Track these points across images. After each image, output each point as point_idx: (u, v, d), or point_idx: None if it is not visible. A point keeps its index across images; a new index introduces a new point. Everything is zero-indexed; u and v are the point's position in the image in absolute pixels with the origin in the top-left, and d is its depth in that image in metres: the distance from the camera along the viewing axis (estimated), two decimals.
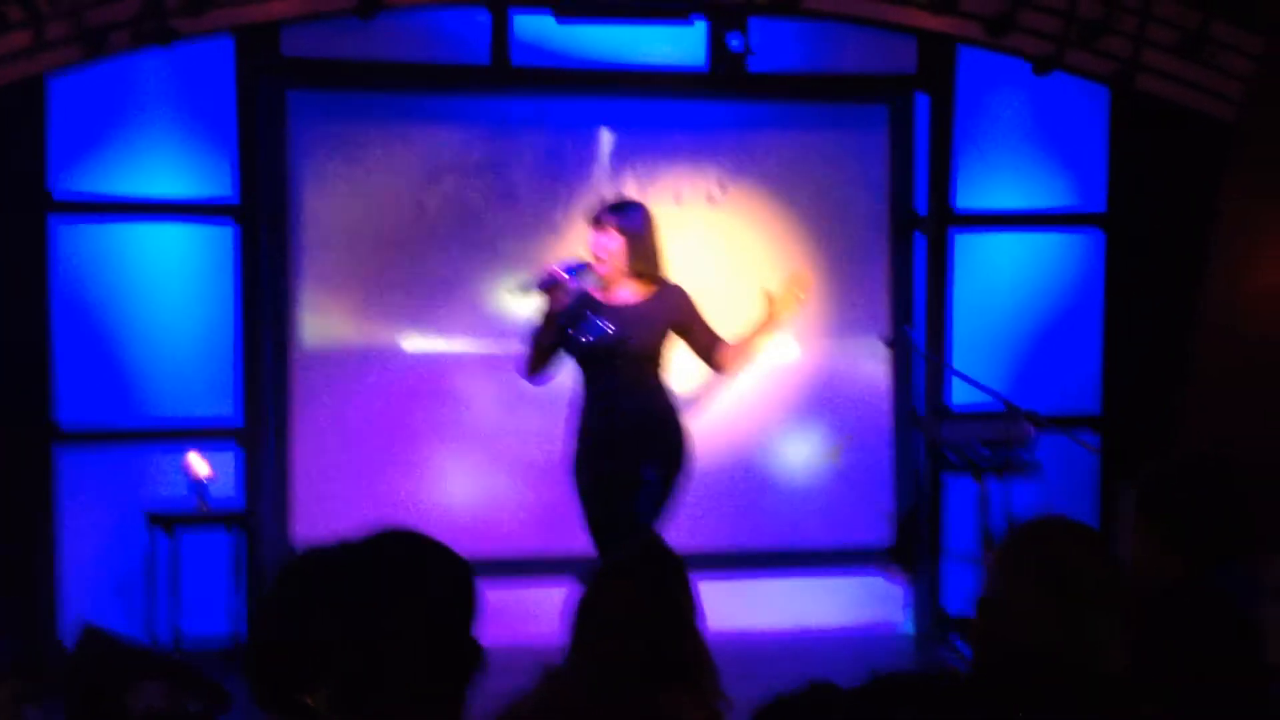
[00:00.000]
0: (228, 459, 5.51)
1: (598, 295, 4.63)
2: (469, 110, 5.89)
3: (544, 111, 5.92)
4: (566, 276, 4.53)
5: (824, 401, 6.08)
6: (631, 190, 5.93)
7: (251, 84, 5.55)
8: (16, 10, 4.97)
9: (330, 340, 5.76)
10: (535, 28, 5.68)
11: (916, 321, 6.03)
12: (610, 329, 4.55)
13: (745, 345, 4.68)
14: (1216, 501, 2.62)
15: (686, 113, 6.02)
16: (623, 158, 5.95)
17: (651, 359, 4.62)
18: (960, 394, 5.87)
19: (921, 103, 6.04)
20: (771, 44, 5.80)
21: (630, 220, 4.64)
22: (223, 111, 5.54)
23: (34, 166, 5.34)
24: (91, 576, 5.43)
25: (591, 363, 4.61)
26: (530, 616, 4.55)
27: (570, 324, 4.57)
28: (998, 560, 1.96)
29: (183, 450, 5.38)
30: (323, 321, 5.76)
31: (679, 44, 5.79)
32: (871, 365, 6.10)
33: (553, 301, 4.53)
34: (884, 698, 1.81)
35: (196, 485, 5.23)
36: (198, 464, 5.26)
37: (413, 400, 5.76)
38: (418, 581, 1.47)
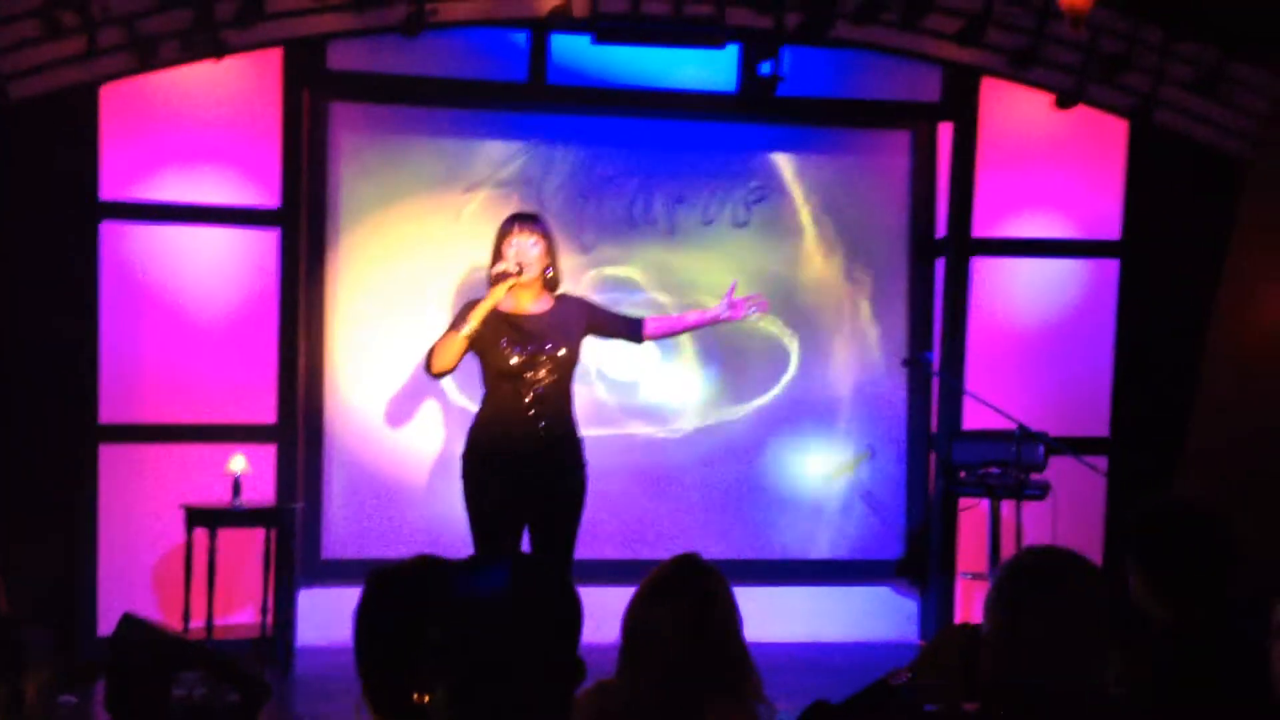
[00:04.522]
0: (266, 457, 5.69)
1: (505, 309, 4.61)
2: (506, 125, 6.07)
3: (577, 129, 6.09)
4: (516, 271, 4.54)
5: (842, 417, 6.23)
6: (659, 209, 6.10)
7: (297, 96, 5.73)
8: (71, 16, 5.12)
9: (364, 343, 5.93)
10: (571, 48, 5.86)
11: (935, 343, 6.19)
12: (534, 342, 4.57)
13: (679, 325, 5.06)
14: (1203, 553, 2.61)
15: (716, 135, 6.18)
16: (652, 177, 6.11)
17: (569, 367, 4.64)
18: (974, 415, 6.02)
19: (945, 131, 6.19)
20: (801, 70, 5.94)
21: (548, 227, 4.74)
22: (267, 121, 5.72)
23: (86, 171, 5.51)
24: (127, 568, 5.60)
25: (508, 375, 4.56)
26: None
27: (485, 330, 4.55)
28: (994, 596, 2.07)
29: (219, 448, 5.55)
30: (358, 325, 5.93)
31: (711, 67, 5.95)
32: (889, 384, 6.26)
33: (493, 292, 4.55)
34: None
35: (232, 483, 5.38)
36: (235, 462, 5.41)
37: (444, 401, 5.92)
38: (529, 600, 1.62)
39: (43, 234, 5.37)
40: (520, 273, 4.56)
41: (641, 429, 6.10)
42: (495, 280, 4.58)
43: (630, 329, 4.88)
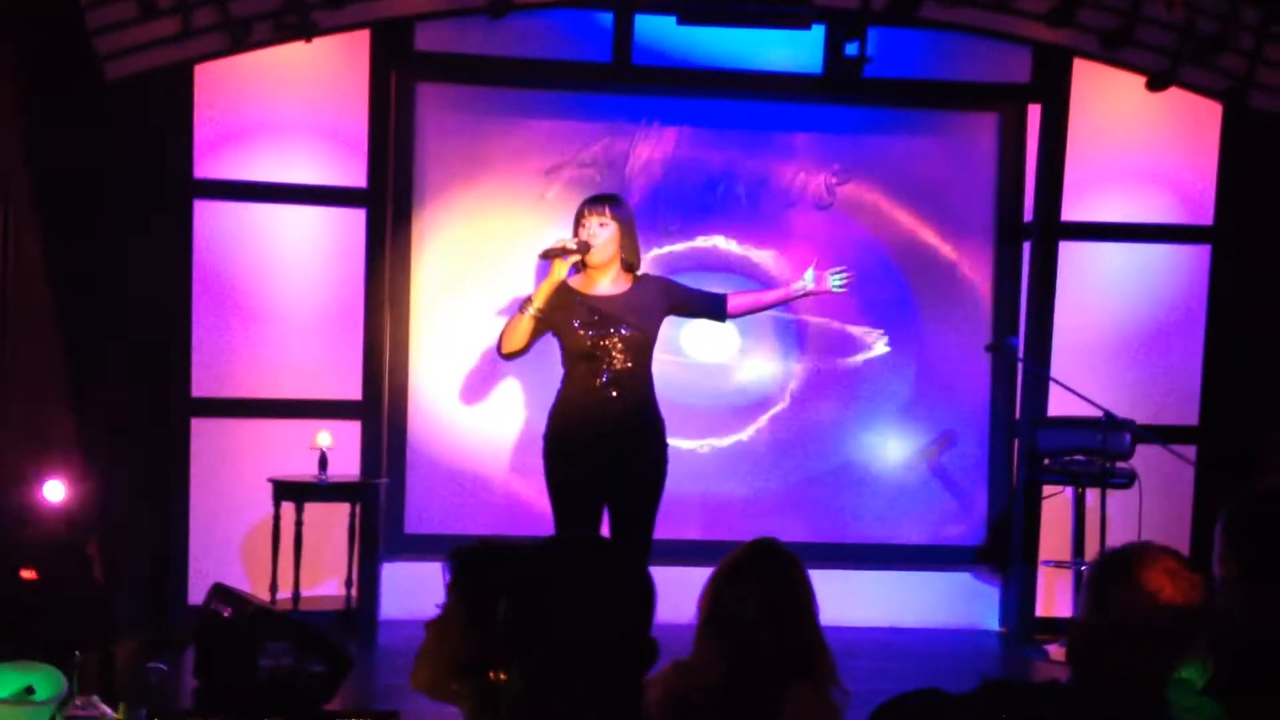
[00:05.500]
0: (351, 433, 5.78)
1: (578, 287, 4.65)
2: (589, 107, 6.09)
3: (660, 110, 6.09)
4: (573, 247, 4.55)
5: (923, 401, 6.18)
6: (742, 191, 6.09)
7: (385, 77, 5.80)
8: None
9: (447, 323, 5.99)
10: (656, 29, 5.86)
11: (1020, 328, 6.11)
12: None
13: (762, 301, 5.09)
14: None
15: (800, 116, 6.14)
16: (735, 159, 6.10)
17: (645, 348, 4.66)
18: (1059, 402, 5.94)
19: (1034, 112, 6.10)
20: (887, 51, 5.90)
21: (624, 210, 4.74)
22: (356, 102, 5.79)
23: (180, 149, 5.62)
24: (217, 539, 5.73)
25: (583, 356, 4.60)
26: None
27: (559, 312, 4.59)
28: (1088, 588, 2.10)
29: (306, 424, 5.65)
30: (441, 304, 5.99)
31: (796, 48, 5.92)
32: (972, 369, 6.19)
33: (553, 270, 4.56)
34: (994, 704, 1.97)
35: (319, 458, 5.48)
36: (321, 437, 5.51)
37: (525, 381, 5.96)
38: (604, 582, 1.64)
39: (138, 210, 5.48)
40: (579, 250, 4.57)
41: (721, 410, 6.10)
42: (544, 257, 4.61)
43: (714, 307, 4.88)
